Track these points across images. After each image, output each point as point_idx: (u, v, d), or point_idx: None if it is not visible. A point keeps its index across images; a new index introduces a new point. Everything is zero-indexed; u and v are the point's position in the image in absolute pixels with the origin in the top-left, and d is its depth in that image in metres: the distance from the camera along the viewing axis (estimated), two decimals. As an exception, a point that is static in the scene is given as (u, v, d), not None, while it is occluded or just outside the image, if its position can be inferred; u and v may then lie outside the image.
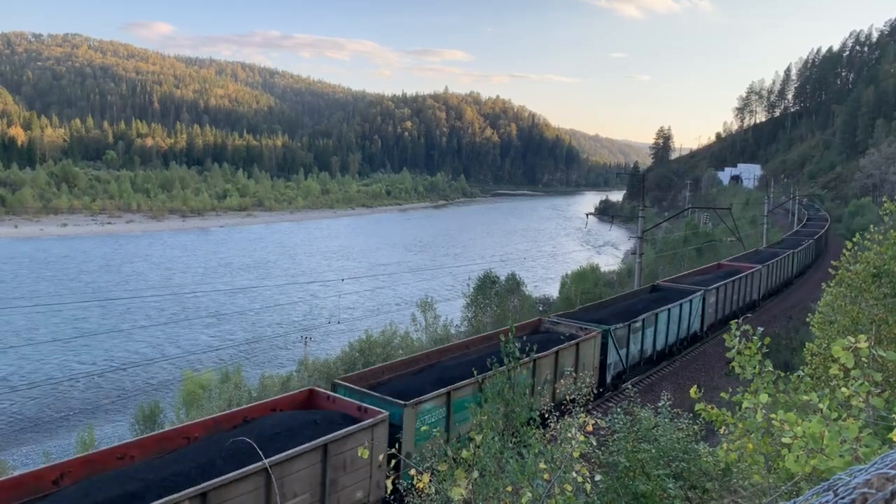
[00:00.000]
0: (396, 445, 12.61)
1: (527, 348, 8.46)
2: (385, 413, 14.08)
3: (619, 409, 10.59)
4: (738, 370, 5.71)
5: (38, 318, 52.31)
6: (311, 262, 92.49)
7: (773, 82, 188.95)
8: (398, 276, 69.03)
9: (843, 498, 1.76)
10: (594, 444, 6.57)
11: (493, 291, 38.45)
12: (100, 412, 35.55)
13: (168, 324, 52.15)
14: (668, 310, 27.23)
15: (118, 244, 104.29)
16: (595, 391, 20.72)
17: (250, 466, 10.96)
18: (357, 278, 69.34)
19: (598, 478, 7.32)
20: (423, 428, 14.82)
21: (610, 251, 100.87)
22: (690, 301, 28.97)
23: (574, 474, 5.99)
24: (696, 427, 9.88)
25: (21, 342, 45.01)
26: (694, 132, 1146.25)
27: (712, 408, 5.87)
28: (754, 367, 5.59)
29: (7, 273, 75.28)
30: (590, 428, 6.48)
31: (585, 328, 22.87)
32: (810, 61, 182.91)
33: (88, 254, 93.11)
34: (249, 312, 57.54)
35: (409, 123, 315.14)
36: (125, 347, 47.79)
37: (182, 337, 50.83)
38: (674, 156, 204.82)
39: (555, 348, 20.02)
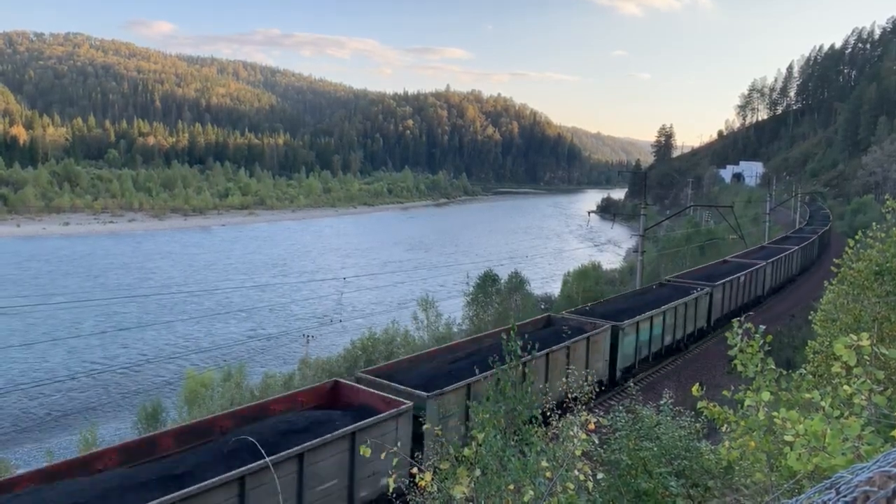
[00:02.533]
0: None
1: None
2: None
3: (620, 408, 10.60)
4: (740, 368, 5.70)
5: (80, 313, 53.51)
6: (325, 260, 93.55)
7: (776, 80, 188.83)
8: (412, 272, 69.49)
9: (845, 496, 1.77)
10: (596, 442, 6.57)
11: (495, 290, 38.45)
12: (124, 407, 35.89)
13: (203, 318, 53.42)
14: None
15: (137, 242, 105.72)
16: None
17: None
18: (375, 275, 69.82)
19: (599, 476, 7.32)
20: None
21: (612, 249, 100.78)
22: None
23: (576, 472, 5.99)
24: (697, 425, 9.89)
25: (68, 335, 46.09)
26: (696, 130, 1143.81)
27: (714, 406, 5.87)
28: (756, 366, 5.59)
29: (37, 271, 76.43)
30: (592, 426, 6.49)
31: None
32: (812, 59, 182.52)
33: (109, 251, 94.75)
34: (277, 307, 58.63)
35: (410, 122, 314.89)
36: (167, 338, 49.21)
37: (219, 330, 52.25)
38: (675, 154, 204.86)
39: None
